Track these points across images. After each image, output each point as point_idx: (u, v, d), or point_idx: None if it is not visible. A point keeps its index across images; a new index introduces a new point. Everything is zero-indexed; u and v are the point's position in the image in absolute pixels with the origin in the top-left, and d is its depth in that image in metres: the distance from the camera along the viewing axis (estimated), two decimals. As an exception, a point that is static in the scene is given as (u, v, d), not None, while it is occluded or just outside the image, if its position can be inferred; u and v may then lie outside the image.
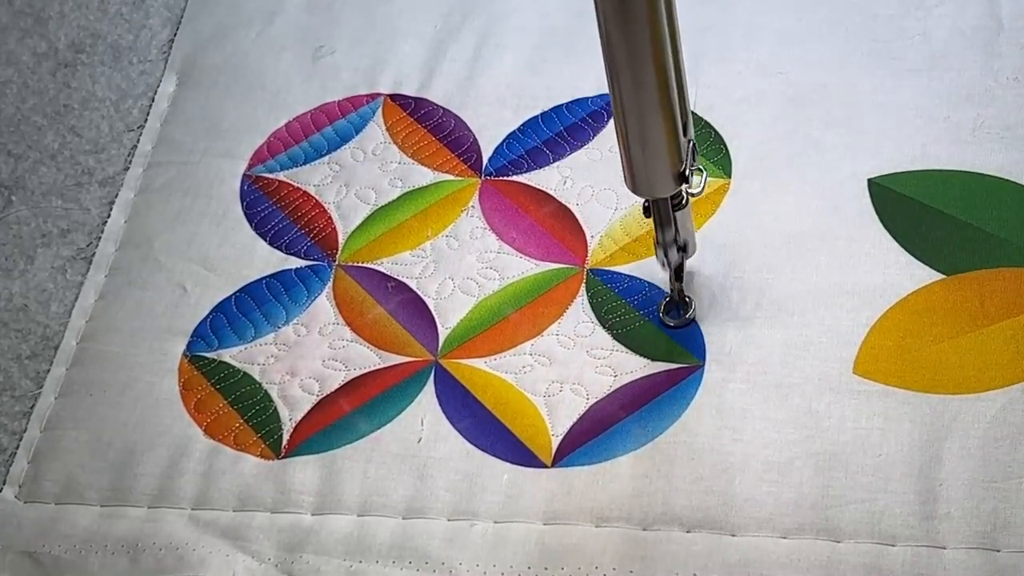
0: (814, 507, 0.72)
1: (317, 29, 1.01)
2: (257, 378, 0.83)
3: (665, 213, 0.74)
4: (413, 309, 0.84)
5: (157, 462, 0.80)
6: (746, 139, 0.88)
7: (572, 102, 0.92)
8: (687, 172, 0.72)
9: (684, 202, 0.74)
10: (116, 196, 0.94)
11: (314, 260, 0.88)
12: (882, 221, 0.82)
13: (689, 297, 0.80)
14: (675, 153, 0.70)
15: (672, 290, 0.80)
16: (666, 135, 0.69)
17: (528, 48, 0.96)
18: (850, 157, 0.85)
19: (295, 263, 0.88)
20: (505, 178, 0.90)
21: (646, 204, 0.74)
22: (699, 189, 0.73)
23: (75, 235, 0.92)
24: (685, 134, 0.71)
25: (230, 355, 0.84)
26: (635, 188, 0.72)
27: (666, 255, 0.77)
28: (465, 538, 0.75)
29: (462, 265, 0.86)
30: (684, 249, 0.77)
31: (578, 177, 0.89)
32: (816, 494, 0.73)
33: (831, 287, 0.80)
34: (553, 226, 0.86)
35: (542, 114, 0.92)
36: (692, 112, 0.89)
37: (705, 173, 0.74)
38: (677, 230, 0.76)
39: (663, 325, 0.80)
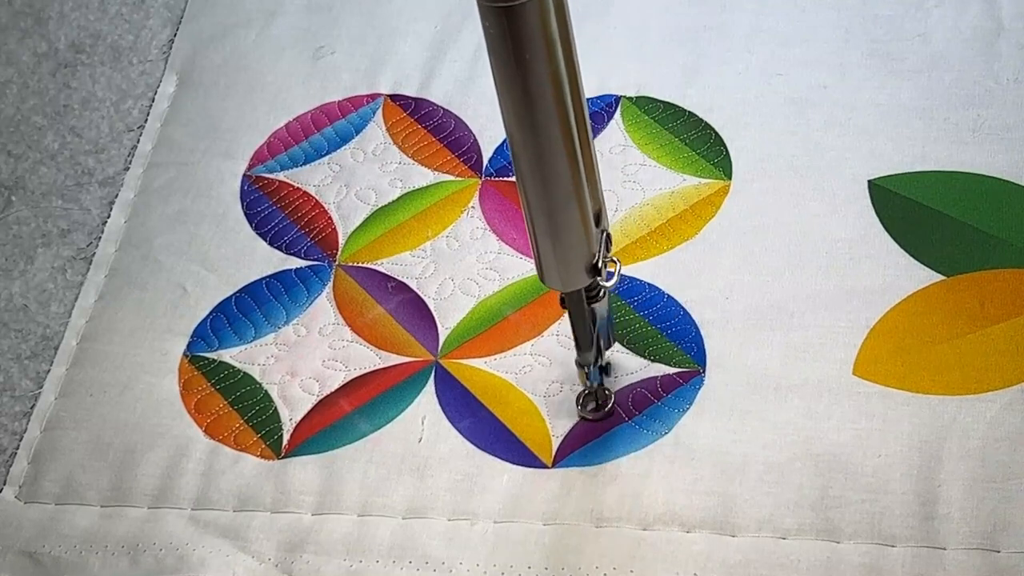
0: (814, 508, 0.72)
1: (317, 29, 1.01)
2: (257, 378, 0.83)
3: (578, 306, 0.72)
4: (413, 309, 0.84)
5: (157, 462, 0.80)
6: (746, 140, 0.88)
7: (572, 103, 0.92)
8: (600, 264, 0.69)
9: (600, 294, 0.71)
10: (116, 196, 0.94)
11: (314, 260, 0.88)
12: (882, 222, 0.82)
13: (608, 390, 0.77)
14: (586, 245, 0.68)
15: (591, 382, 0.76)
16: (580, 227, 0.66)
17: (528, 49, 0.96)
18: (850, 158, 0.85)
19: (295, 263, 0.88)
20: (505, 179, 0.90)
21: (561, 297, 0.72)
22: (612, 283, 0.70)
23: (75, 235, 0.92)
24: (598, 224, 0.68)
25: (230, 355, 0.84)
26: (545, 280, 0.69)
27: (579, 345, 0.74)
28: (465, 538, 0.75)
29: (462, 265, 0.86)
30: (600, 337, 0.74)
31: (578, 178, 0.89)
32: (816, 495, 0.73)
33: (831, 288, 0.80)
34: (553, 227, 0.86)
35: (542, 115, 0.92)
36: (692, 113, 0.90)
37: (619, 265, 0.70)
38: (595, 322, 0.73)
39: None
